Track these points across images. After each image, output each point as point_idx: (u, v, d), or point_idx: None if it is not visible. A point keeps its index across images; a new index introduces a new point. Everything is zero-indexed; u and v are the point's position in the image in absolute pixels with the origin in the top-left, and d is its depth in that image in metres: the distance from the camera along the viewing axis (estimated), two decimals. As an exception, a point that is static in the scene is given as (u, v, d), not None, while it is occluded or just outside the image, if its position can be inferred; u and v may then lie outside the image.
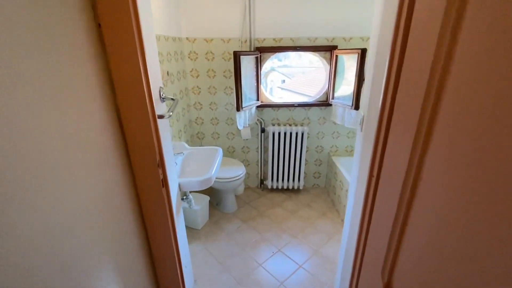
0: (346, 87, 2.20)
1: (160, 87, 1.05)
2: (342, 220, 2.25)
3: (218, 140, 2.63)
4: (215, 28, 2.21)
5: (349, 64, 2.14)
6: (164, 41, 1.79)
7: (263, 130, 2.51)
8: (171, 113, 1.06)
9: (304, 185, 2.73)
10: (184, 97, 2.29)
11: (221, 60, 2.30)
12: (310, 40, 2.26)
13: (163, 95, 1.07)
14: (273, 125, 2.54)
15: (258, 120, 2.52)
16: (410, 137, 0.57)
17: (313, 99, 2.51)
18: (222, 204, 2.44)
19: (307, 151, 2.61)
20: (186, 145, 1.88)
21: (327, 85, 2.42)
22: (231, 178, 2.17)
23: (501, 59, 0.34)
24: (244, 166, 2.75)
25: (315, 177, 2.83)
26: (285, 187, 2.70)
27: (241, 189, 2.71)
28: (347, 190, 2.12)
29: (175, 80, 2.04)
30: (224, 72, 2.35)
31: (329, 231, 2.18)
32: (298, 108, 2.50)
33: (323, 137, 2.62)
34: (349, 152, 2.67)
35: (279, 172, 2.62)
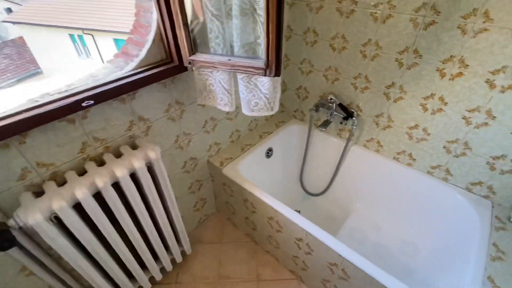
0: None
1: None
2: (300, 277, 1.24)
3: None
4: None
5: None
6: None
7: (5, 239, 0.65)
8: None
9: (189, 242, 1.32)
10: None
11: None
12: None
13: None
14: (37, 194, 0.73)
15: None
16: None
17: (134, 64, 0.84)
18: None
19: (170, 182, 1.09)
20: None
21: (156, 21, 0.79)
22: None
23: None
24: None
25: (197, 209, 1.46)
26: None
27: None
28: (279, 226, 1.01)
29: None
30: None
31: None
32: (97, 107, 0.78)
33: (189, 141, 1.16)
34: (236, 141, 1.42)
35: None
